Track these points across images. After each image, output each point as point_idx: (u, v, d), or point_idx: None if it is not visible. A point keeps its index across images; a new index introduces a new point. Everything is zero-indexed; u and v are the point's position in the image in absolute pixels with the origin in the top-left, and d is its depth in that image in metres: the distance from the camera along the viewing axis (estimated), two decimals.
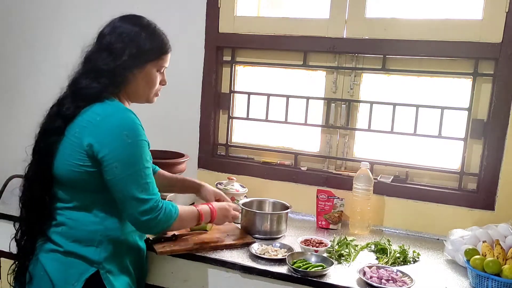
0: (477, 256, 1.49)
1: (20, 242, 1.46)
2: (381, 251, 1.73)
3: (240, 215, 1.77)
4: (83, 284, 1.35)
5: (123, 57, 1.37)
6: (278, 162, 2.26)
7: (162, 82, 1.52)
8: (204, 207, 1.57)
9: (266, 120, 2.28)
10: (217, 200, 1.76)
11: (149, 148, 1.42)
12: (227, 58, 2.31)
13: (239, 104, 2.34)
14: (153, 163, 1.96)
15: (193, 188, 1.80)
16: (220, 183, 2.07)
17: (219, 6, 2.23)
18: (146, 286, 1.67)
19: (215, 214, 1.59)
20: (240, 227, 1.85)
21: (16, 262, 1.47)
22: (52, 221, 1.41)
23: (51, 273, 1.37)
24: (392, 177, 2.08)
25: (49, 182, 1.40)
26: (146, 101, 1.53)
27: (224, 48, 2.30)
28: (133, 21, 1.44)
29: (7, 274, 1.50)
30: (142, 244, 1.55)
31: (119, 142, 1.31)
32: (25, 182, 1.43)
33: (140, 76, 1.43)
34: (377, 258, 1.69)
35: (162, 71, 1.50)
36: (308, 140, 2.26)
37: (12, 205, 1.86)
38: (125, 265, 1.46)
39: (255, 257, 1.60)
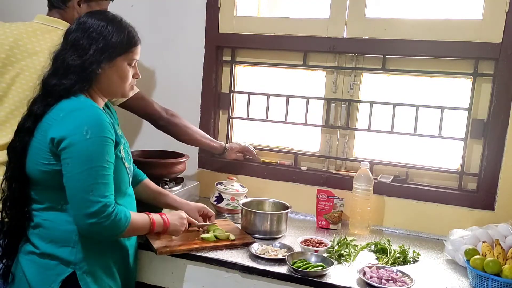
0: (477, 256, 1.49)
1: (3, 243, 1.45)
2: (381, 251, 1.73)
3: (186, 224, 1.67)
4: (60, 285, 1.34)
5: (89, 52, 1.35)
6: (278, 162, 2.26)
7: (135, 76, 1.50)
8: (157, 217, 1.51)
9: (266, 120, 2.27)
10: (202, 215, 1.75)
11: (119, 146, 1.39)
12: (227, 58, 2.31)
13: (239, 104, 2.34)
14: (153, 163, 1.98)
15: (173, 207, 1.74)
16: (220, 183, 2.07)
17: (219, 6, 2.23)
18: (146, 287, 1.67)
19: (168, 224, 1.53)
20: (240, 227, 1.85)
21: (2, 262, 1.47)
22: (30, 222, 1.41)
23: (28, 276, 1.37)
24: (392, 177, 2.08)
25: (24, 182, 1.39)
26: (121, 96, 1.52)
27: (224, 48, 2.30)
28: (98, 15, 1.41)
29: None
30: (129, 242, 1.53)
31: (77, 136, 1.27)
32: (4, 182, 1.42)
33: (111, 71, 1.41)
34: (377, 258, 1.69)
35: (133, 64, 1.47)
36: (308, 140, 2.25)
37: None
38: (108, 265, 1.44)
39: (255, 257, 1.60)
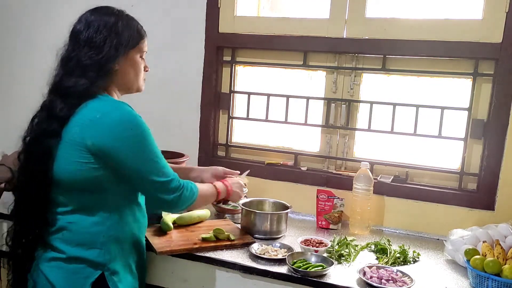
0: (477, 256, 1.49)
1: (16, 252, 1.40)
2: (381, 251, 1.73)
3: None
4: None
5: (105, 48, 1.35)
6: (282, 162, 2.26)
7: (146, 68, 1.52)
8: (220, 184, 1.65)
9: (266, 120, 2.28)
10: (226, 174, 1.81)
11: None
12: (227, 58, 2.31)
13: (239, 104, 2.34)
14: None
15: (198, 172, 1.78)
16: None
17: (219, 6, 2.23)
18: (146, 286, 1.67)
19: (230, 190, 1.68)
20: (240, 227, 1.85)
21: (13, 273, 1.42)
22: (51, 227, 1.36)
23: (55, 283, 1.34)
24: (392, 177, 2.08)
25: (47, 187, 1.35)
26: (136, 90, 1.52)
27: (224, 48, 2.30)
28: (105, 11, 1.41)
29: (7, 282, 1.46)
30: (143, 242, 1.55)
31: (127, 136, 1.31)
32: (19, 191, 1.38)
33: (126, 65, 1.42)
34: (377, 258, 1.69)
35: (143, 56, 1.49)
36: (308, 140, 2.25)
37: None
38: (129, 264, 1.45)
39: (255, 257, 1.60)
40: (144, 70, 1.51)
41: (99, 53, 1.35)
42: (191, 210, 1.81)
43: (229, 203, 1.86)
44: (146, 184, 1.37)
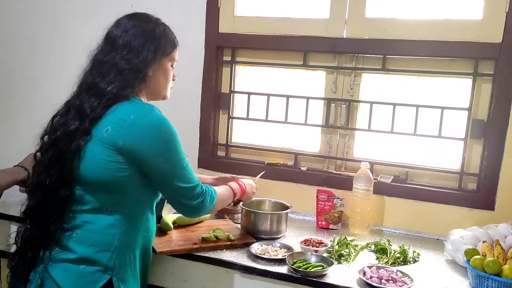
0: (477, 256, 1.49)
1: (24, 252, 1.36)
2: (381, 251, 1.73)
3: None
4: None
5: (143, 53, 1.37)
6: (282, 162, 2.26)
7: (174, 77, 1.53)
8: (234, 185, 1.70)
9: (266, 120, 2.27)
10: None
11: None
12: (227, 58, 2.31)
13: (239, 104, 2.34)
14: None
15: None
16: None
17: (219, 6, 2.23)
18: (146, 287, 1.67)
19: (244, 190, 1.72)
20: (240, 227, 1.86)
21: (14, 274, 1.38)
22: (63, 225, 1.33)
23: (62, 285, 1.30)
24: (392, 177, 2.08)
25: (71, 185, 1.32)
26: (163, 98, 1.52)
27: (224, 48, 2.30)
28: (143, 18, 1.43)
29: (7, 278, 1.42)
30: (151, 253, 1.53)
31: (160, 139, 1.32)
32: (40, 190, 1.34)
33: (158, 72, 1.43)
34: (377, 258, 1.69)
35: (173, 65, 1.50)
36: (308, 140, 2.26)
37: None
38: (136, 272, 1.42)
39: (255, 257, 1.60)
40: (172, 79, 1.51)
41: (137, 57, 1.36)
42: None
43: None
44: (171, 189, 1.39)
